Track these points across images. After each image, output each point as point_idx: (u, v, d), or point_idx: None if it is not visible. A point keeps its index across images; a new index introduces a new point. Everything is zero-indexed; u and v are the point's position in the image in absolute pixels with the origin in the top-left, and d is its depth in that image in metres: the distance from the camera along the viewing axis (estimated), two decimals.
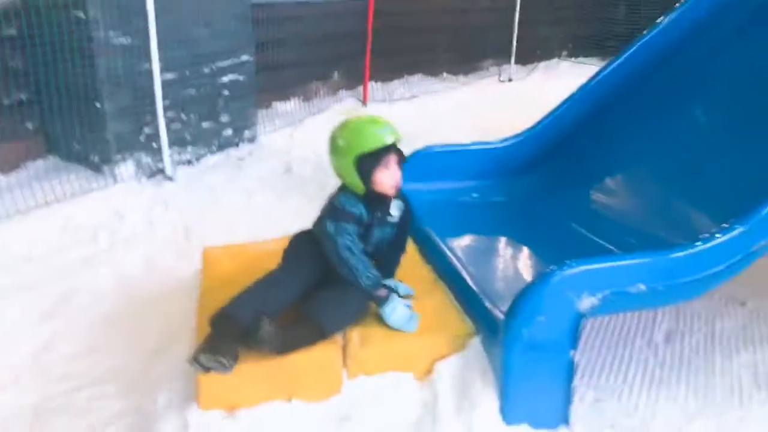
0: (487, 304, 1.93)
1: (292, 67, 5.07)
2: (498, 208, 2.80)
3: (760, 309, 2.50)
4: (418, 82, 6.41)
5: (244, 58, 4.13)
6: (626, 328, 2.35)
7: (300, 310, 1.83)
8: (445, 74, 6.83)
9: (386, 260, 1.96)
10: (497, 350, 1.75)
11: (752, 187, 2.24)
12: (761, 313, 2.48)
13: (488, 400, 1.75)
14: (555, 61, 7.99)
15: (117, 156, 3.56)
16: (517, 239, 2.56)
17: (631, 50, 2.96)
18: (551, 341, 1.71)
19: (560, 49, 8.18)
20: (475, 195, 2.85)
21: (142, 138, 3.64)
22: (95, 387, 1.97)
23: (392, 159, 1.85)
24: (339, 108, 5.32)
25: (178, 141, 3.80)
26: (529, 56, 7.49)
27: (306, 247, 1.92)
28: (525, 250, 2.51)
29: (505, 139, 2.94)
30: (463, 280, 2.10)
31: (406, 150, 1.94)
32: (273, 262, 1.96)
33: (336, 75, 5.69)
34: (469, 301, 2.01)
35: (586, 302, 1.70)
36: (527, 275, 2.31)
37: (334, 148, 1.86)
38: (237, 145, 4.24)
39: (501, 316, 1.82)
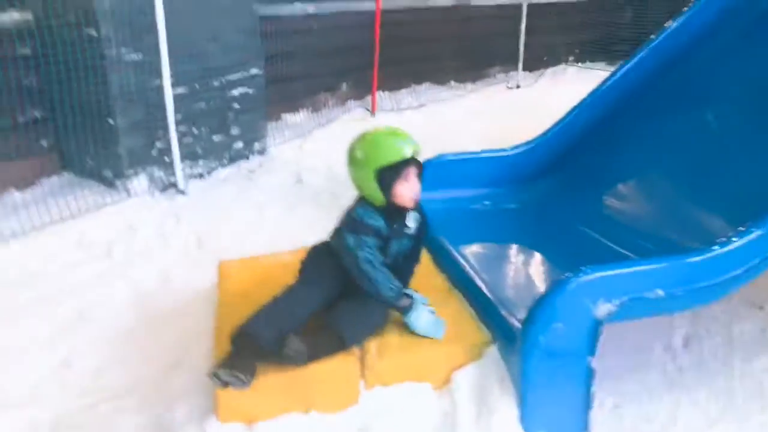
0: (503, 312, 1.93)
1: (301, 79, 5.10)
2: (511, 215, 2.80)
3: None
4: (425, 90, 6.43)
5: (254, 71, 4.16)
6: (644, 333, 2.33)
7: (321, 320, 1.83)
8: (452, 82, 6.84)
9: (401, 271, 1.96)
10: (515, 358, 1.75)
11: (765, 189, 2.23)
12: None
13: (507, 408, 1.74)
14: (562, 66, 7.99)
15: (130, 171, 3.59)
16: (531, 246, 2.55)
17: (640, 55, 2.96)
18: (569, 348, 1.71)
19: (567, 55, 8.17)
20: (487, 202, 2.85)
21: (154, 152, 3.67)
22: (114, 401, 1.98)
23: (412, 171, 1.85)
24: (348, 118, 5.35)
25: (189, 155, 3.83)
26: (536, 62, 7.49)
27: (324, 260, 1.93)
28: (539, 257, 2.50)
29: (517, 146, 2.94)
30: (478, 288, 2.10)
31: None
32: (289, 274, 1.96)
33: (344, 86, 5.72)
34: (484, 309, 2.01)
35: (604, 308, 1.70)
36: (542, 282, 2.30)
37: (354, 160, 1.86)
38: (247, 157, 4.26)
39: (518, 324, 1.82)
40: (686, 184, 2.61)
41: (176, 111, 3.57)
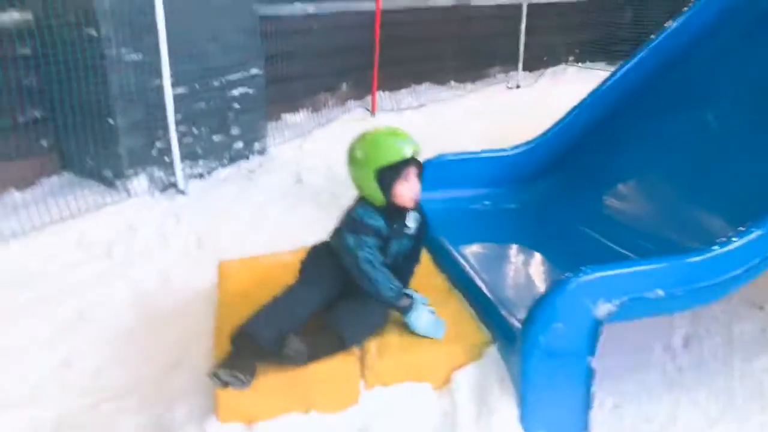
0: (503, 312, 1.93)
1: (301, 79, 5.11)
2: (511, 216, 2.80)
3: None
4: (425, 90, 6.43)
5: (254, 71, 4.17)
6: (644, 333, 2.33)
7: (321, 320, 1.83)
8: (452, 82, 6.85)
9: (401, 271, 1.95)
10: (515, 358, 1.75)
11: (765, 189, 2.24)
12: None
13: (507, 408, 1.75)
14: (562, 66, 7.99)
15: (130, 171, 3.59)
16: (531, 246, 2.56)
17: (640, 55, 2.96)
18: (569, 348, 1.71)
19: (567, 55, 8.18)
20: (487, 202, 2.85)
21: (154, 152, 3.67)
22: (115, 401, 1.98)
23: (412, 171, 1.85)
24: (348, 118, 5.35)
25: (189, 155, 3.83)
26: (536, 62, 7.50)
27: (324, 260, 1.93)
28: (539, 257, 2.50)
29: (517, 146, 2.94)
30: (478, 288, 2.10)
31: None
32: (289, 274, 1.96)
33: (344, 86, 5.72)
34: (484, 309, 2.01)
35: (604, 309, 1.70)
36: (542, 282, 2.30)
37: (354, 160, 1.87)
38: (247, 157, 4.27)
39: (517, 324, 1.82)
40: (686, 184, 2.61)
41: (176, 111, 3.57)
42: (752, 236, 1.83)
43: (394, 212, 1.88)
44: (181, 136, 3.69)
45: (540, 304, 1.70)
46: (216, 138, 4.02)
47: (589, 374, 1.74)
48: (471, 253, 2.40)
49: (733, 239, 1.82)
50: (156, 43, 3.39)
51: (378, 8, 5.19)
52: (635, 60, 2.96)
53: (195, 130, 3.86)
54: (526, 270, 2.44)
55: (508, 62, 7.21)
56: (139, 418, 1.91)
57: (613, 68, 3.17)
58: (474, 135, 4.75)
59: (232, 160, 4.16)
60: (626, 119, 2.92)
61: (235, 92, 4.07)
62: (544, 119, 3.13)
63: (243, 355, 1.70)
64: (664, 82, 2.92)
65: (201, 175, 3.93)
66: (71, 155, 3.74)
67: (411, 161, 1.84)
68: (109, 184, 3.64)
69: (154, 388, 2.03)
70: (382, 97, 5.80)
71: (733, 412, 1.98)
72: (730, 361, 2.22)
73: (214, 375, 1.65)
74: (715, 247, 1.80)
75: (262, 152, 4.38)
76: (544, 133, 2.98)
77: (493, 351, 1.87)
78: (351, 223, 1.86)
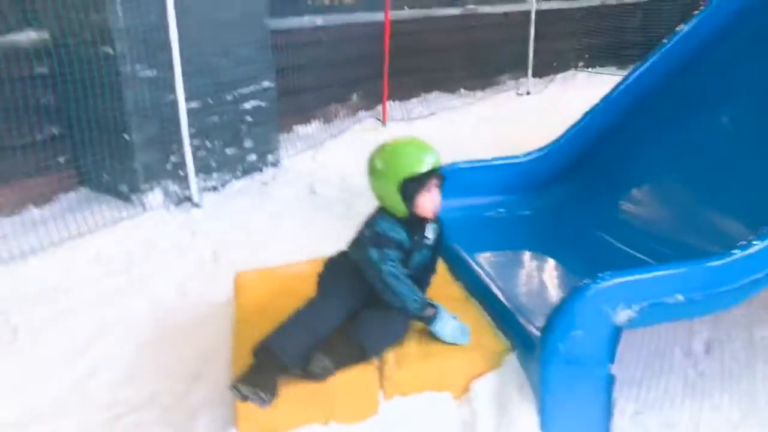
0: (521, 320, 1.92)
1: (312, 91, 5.15)
2: (525, 222, 2.79)
3: None
4: (435, 99, 6.45)
5: (266, 84, 4.21)
6: (664, 338, 2.31)
7: (343, 329, 1.82)
8: (462, 90, 6.86)
9: (419, 282, 1.93)
10: (534, 366, 1.74)
11: None
12: None
13: (527, 417, 1.73)
14: (572, 72, 7.99)
15: (145, 185, 3.63)
16: (547, 252, 2.55)
17: (653, 59, 2.95)
18: (589, 355, 1.70)
19: (576, 60, 8.17)
20: (501, 210, 2.84)
21: (168, 166, 3.72)
22: (136, 414, 2.00)
23: (434, 183, 1.84)
24: (359, 128, 5.38)
25: (203, 168, 3.87)
26: (545, 69, 7.50)
27: (343, 273, 1.91)
28: (555, 264, 2.49)
29: (530, 153, 2.94)
30: (495, 296, 2.09)
31: None
32: (306, 285, 1.97)
33: (355, 96, 5.76)
34: (502, 317, 2.00)
35: (623, 315, 1.69)
36: (559, 289, 2.29)
37: (375, 171, 1.85)
38: (261, 169, 4.30)
39: (536, 331, 1.81)
40: (703, 187, 2.59)
41: (190, 125, 3.61)
42: None
43: (415, 223, 1.87)
44: (195, 149, 3.73)
45: (559, 311, 1.69)
46: (229, 151, 4.06)
47: (610, 381, 1.72)
48: (487, 261, 2.40)
49: (754, 243, 1.80)
50: (170, 59, 3.44)
51: (387, 18, 5.23)
52: (648, 64, 2.94)
53: (209, 144, 3.91)
54: (543, 277, 2.43)
55: (518, 69, 7.22)
56: (161, 430, 1.92)
57: (623, 73, 3.16)
58: (485, 142, 4.75)
59: (246, 172, 4.20)
60: (640, 123, 2.91)
61: (248, 105, 4.11)
62: (555, 125, 3.13)
63: (265, 370, 1.68)
64: (677, 86, 2.91)
65: (215, 188, 3.97)
66: (88, 171, 3.78)
67: (433, 172, 1.82)
68: (125, 198, 3.68)
69: (174, 401, 2.05)
70: (393, 106, 5.83)
71: (755, 416, 1.95)
72: (752, 364, 2.20)
73: (236, 389, 1.65)
74: (736, 251, 1.78)
75: (275, 164, 4.41)
76: (558, 139, 2.97)
77: (512, 359, 1.86)
78: (374, 236, 1.84)
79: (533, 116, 5.73)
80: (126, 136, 3.53)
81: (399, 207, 1.83)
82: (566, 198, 2.84)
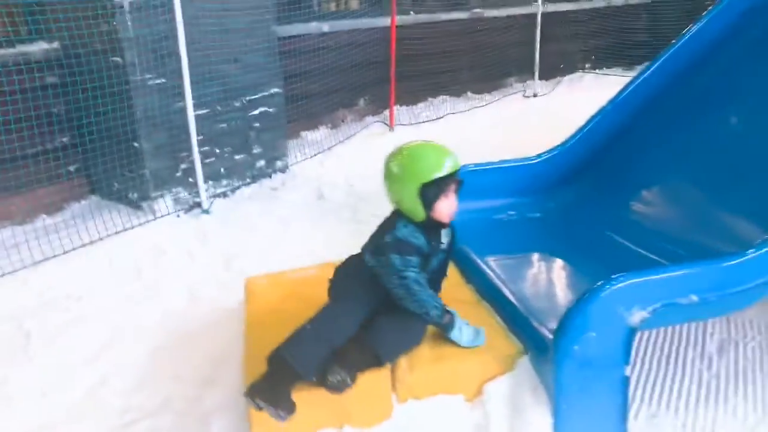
0: (534, 323, 1.92)
1: (319, 97, 5.17)
2: (536, 224, 2.78)
3: None
4: (442, 103, 6.46)
5: (274, 90, 4.23)
6: (678, 340, 2.29)
7: (357, 336, 1.80)
8: (469, 93, 6.86)
9: (432, 287, 1.90)
10: (548, 368, 1.73)
11: None
12: None
13: (541, 419, 1.72)
14: (578, 74, 7.96)
15: (155, 192, 3.66)
16: (558, 254, 2.53)
17: (661, 59, 2.93)
18: (603, 357, 1.68)
19: (583, 62, 8.15)
20: (512, 212, 2.82)
21: (178, 173, 3.74)
22: (150, 419, 2.01)
23: (452, 187, 1.82)
24: (367, 133, 5.38)
25: (213, 174, 3.89)
26: (552, 71, 7.48)
27: (356, 279, 1.88)
28: (567, 265, 2.48)
29: (539, 155, 2.92)
30: (507, 299, 2.08)
31: None
32: (316, 289, 1.97)
33: (362, 102, 5.78)
34: (514, 319, 1.99)
35: (637, 316, 1.67)
36: (572, 291, 2.28)
37: (392, 175, 1.81)
38: (270, 175, 4.32)
39: (549, 334, 1.80)
40: (714, 187, 2.56)
41: (199, 132, 3.64)
42: None
43: (432, 228, 1.85)
44: (204, 156, 3.76)
45: (572, 313, 1.68)
46: (238, 157, 4.08)
47: (624, 383, 1.71)
48: (498, 263, 2.39)
49: None
50: (178, 67, 3.47)
51: (393, 23, 5.24)
52: (656, 64, 2.92)
53: (217, 150, 3.93)
54: (555, 279, 2.42)
55: (524, 71, 7.22)
56: None
57: (630, 74, 3.15)
58: (493, 145, 4.74)
59: (255, 178, 4.22)
60: (649, 123, 2.89)
61: (256, 112, 4.13)
62: (562, 127, 3.12)
63: (279, 379, 1.66)
64: (686, 86, 2.89)
65: (225, 194, 3.99)
66: (98, 179, 3.82)
67: (452, 176, 1.80)
68: (136, 206, 3.70)
69: (187, 406, 2.05)
70: (400, 111, 5.84)
71: None
72: (767, 365, 2.18)
73: (251, 398, 1.62)
74: (750, 251, 1.77)
75: (283, 170, 4.43)
76: (567, 141, 2.96)
77: (525, 361, 1.85)
78: (395, 242, 1.79)
79: (541, 118, 5.72)
80: (136, 144, 3.55)
81: (417, 211, 1.80)
82: (576, 199, 2.83)
